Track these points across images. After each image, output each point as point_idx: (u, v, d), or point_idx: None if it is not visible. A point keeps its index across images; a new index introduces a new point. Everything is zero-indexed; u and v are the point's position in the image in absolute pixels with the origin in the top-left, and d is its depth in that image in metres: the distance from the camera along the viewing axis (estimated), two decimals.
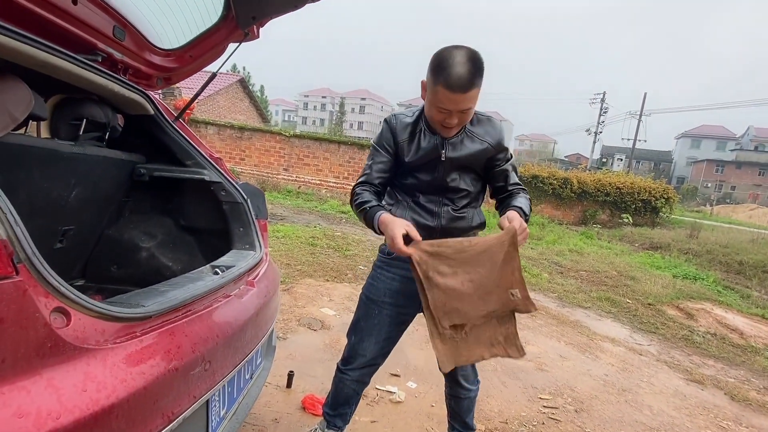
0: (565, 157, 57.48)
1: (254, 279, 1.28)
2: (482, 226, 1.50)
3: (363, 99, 70.95)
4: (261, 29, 1.71)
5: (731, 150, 51.18)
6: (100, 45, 1.29)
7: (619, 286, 5.60)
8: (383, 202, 1.52)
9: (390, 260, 1.46)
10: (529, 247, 7.74)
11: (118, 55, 1.38)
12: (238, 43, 1.70)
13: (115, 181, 1.61)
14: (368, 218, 1.31)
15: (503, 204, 1.42)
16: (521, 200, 1.37)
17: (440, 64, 1.17)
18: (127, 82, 1.40)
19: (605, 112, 30.19)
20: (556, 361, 3.03)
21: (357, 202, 1.37)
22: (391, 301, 1.46)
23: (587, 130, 31.48)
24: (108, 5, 1.26)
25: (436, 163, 1.38)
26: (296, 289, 3.75)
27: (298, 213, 8.36)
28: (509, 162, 1.45)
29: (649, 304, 4.95)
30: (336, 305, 3.48)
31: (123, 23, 1.34)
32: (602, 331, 3.92)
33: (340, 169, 11.44)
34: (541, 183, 11.73)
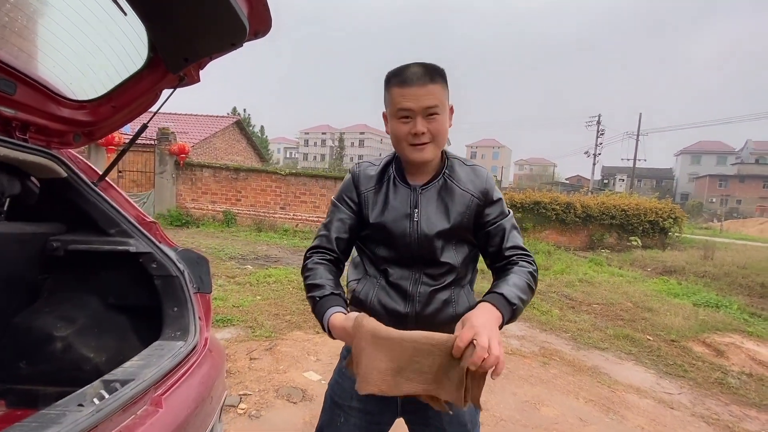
0: (566, 179, 57.48)
1: (164, 394, 0.96)
2: None
3: (362, 133, 72.24)
4: (201, 72, 1.49)
5: (732, 164, 51.10)
6: None
7: (637, 320, 5.17)
8: (349, 273, 1.21)
9: None
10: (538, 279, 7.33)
11: (9, 111, 1.13)
12: (173, 89, 1.46)
13: (21, 260, 1.33)
14: (317, 313, 0.99)
15: (495, 279, 1.07)
16: (514, 278, 1.00)
17: (392, 73, 1.05)
18: (20, 143, 1.14)
19: (602, 134, 30.29)
20: (577, 428, 2.61)
21: (307, 283, 1.06)
22: (359, 407, 1.12)
23: (586, 152, 31.48)
24: None
25: (408, 224, 1.08)
26: (280, 347, 3.39)
27: (293, 253, 8.06)
28: (507, 218, 1.12)
29: (673, 341, 4.52)
30: (323, 366, 3.11)
31: (11, 74, 1.10)
32: (625, 378, 3.49)
33: None
34: (543, 209, 11.43)
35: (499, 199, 1.13)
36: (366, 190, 1.13)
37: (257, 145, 21.88)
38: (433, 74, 1.00)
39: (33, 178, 1.40)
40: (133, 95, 1.38)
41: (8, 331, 1.39)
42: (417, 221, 1.07)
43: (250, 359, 3.13)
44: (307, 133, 77.59)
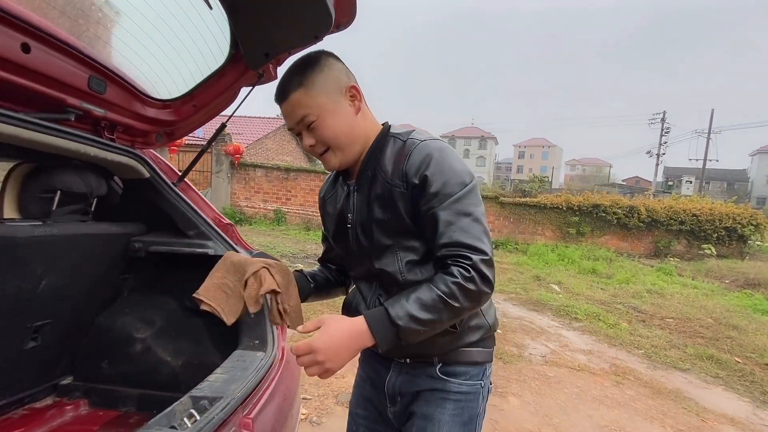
0: (623, 181, 53.96)
1: (251, 413, 0.88)
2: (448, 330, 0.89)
3: None
4: (279, 68, 1.43)
5: None
6: (71, 100, 1.03)
7: (721, 339, 4.63)
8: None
9: (365, 352, 1.04)
10: (599, 287, 6.85)
11: (99, 111, 1.12)
12: (251, 87, 1.41)
13: (106, 261, 1.33)
14: None
15: None
16: (421, 292, 0.79)
17: None
18: (109, 143, 1.13)
19: (667, 132, 28.05)
20: None
21: None
22: (364, 414, 1.05)
23: (648, 152, 29.31)
24: (79, 52, 1.00)
25: (348, 233, 0.95)
26: None
27: None
28: (444, 204, 0.81)
29: (767, 365, 3.99)
30: None
31: (103, 73, 1.08)
32: (714, 406, 3.10)
33: None
34: (603, 213, 10.71)
35: (429, 179, 0.81)
36: (325, 200, 1.05)
37: None
38: (288, 84, 0.87)
39: (116, 179, 1.40)
40: (213, 94, 1.34)
41: (92, 331, 1.40)
42: (351, 226, 0.94)
43: None
44: None
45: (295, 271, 1.09)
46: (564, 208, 10.78)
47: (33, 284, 1.09)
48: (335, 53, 0.93)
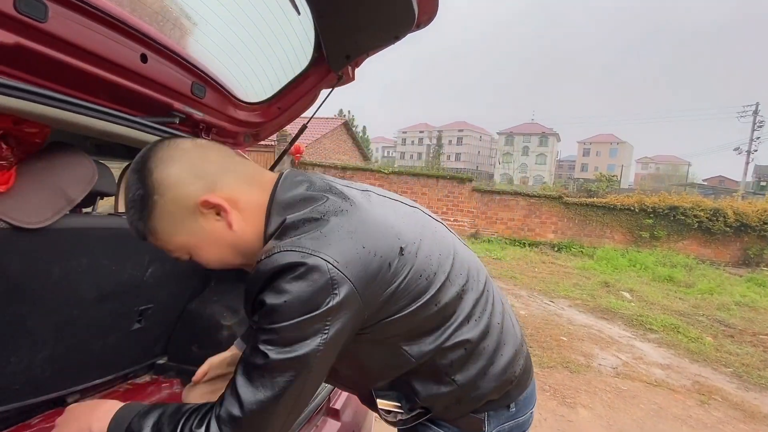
0: (704, 180, 48.85)
1: (336, 402, 0.91)
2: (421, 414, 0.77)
3: (460, 131, 70.84)
4: (356, 70, 1.46)
5: None
6: (177, 105, 1.13)
7: None
8: None
9: None
10: (677, 297, 6.28)
11: (198, 114, 1.22)
12: (330, 89, 1.46)
13: None
14: None
15: None
16: (171, 419, 0.62)
17: None
18: None
19: (760, 127, 24.95)
20: None
21: None
22: None
23: (737, 149, 26.28)
24: (185, 60, 1.09)
25: None
26: None
27: None
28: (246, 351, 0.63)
29: None
30: None
31: (203, 79, 1.17)
32: None
33: (438, 204, 11.12)
34: (682, 215, 9.77)
35: (264, 313, 0.60)
36: None
37: (361, 144, 22.81)
38: (137, 234, 0.70)
39: None
40: (296, 96, 1.40)
41: (184, 317, 1.53)
42: None
43: None
44: (405, 132, 78.72)
45: None
46: (636, 210, 9.99)
47: (142, 272, 1.21)
48: (184, 139, 0.70)
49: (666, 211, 9.84)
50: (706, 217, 9.66)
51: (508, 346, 0.79)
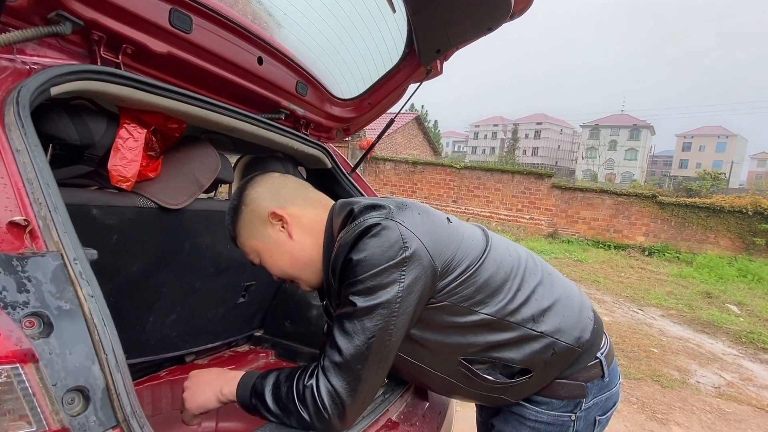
0: None
1: (401, 416, 0.96)
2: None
3: (539, 123, 66.80)
4: (444, 63, 1.48)
5: None
6: (284, 103, 1.24)
7: None
8: None
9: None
10: None
11: (300, 110, 1.33)
12: (419, 83, 1.50)
13: None
14: None
15: None
16: (284, 387, 0.76)
17: None
18: (307, 137, 1.33)
19: None
20: None
21: None
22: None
23: None
24: (292, 62, 1.20)
25: None
26: None
27: None
28: (341, 312, 0.75)
29: None
30: None
31: (306, 78, 1.28)
32: None
33: (513, 201, 10.70)
34: None
35: (350, 269, 0.71)
36: None
37: (432, 139, 22.65)
38: (229, 234, 0.89)
39: (300, 168, 1.64)
40: (385, 91, 1.46)
41: (279, 295, 1.68)
42: None
43: None
44: (477, 126, 76.36)
45: None
46: (750, 213, 8.68)
47: None
48: (268, 174, 0.89)
49: None
50: None
51: (573, 299, 0.90)
